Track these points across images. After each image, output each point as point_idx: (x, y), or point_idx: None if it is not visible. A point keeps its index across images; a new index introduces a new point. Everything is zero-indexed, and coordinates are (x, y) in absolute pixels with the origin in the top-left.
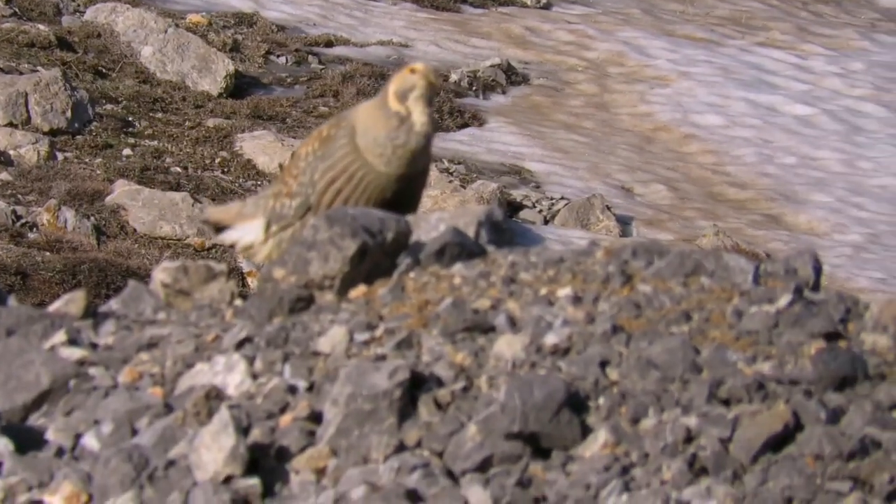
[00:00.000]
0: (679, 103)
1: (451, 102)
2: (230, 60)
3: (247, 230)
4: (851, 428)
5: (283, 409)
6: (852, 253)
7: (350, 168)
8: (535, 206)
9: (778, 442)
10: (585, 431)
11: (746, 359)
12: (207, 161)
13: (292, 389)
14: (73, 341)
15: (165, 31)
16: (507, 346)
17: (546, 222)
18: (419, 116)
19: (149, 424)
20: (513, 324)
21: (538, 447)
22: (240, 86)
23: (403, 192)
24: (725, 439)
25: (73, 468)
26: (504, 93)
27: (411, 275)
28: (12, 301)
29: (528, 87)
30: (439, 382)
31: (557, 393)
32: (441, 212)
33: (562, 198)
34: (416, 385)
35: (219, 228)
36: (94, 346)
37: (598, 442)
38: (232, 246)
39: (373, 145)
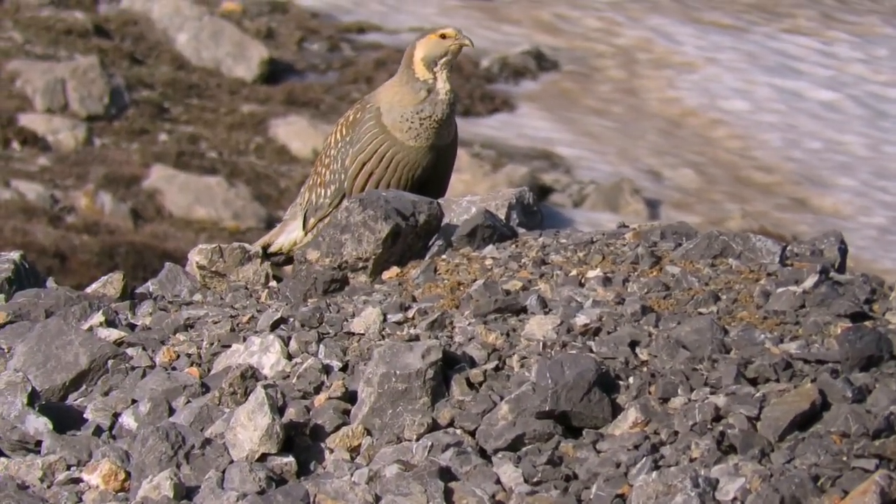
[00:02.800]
0: (706, 89)
1: (481, 88)
2: (264, 47)
3: (289, 231)
4: (877, 406)
5: (317, 389)
6: (877, 235)
7: (379, 149)
8: (564, 190)
9: (805, 420)
10: (616, 410)
11: (774, 339)
12: (242, 146)
13: (327, 369)
14: (110, 322)
15: (200, 19)
16: (539, 327)
17: (576, 206)
18: (443, 85)
19: (185, 404)
20: (544, 304)
21: (569, 426)
22: (274, 72)
23: (434, 169)
24: (753, 418)
25: (112, 447)
26: (534, 79)
27: (443, 257)
28: (51, 283)
29: (557, 73)
30: (472, 362)
31: (588, 372)
32: (472, 195)
33: (591, 181)
34: (449, 365)
35: (267, 248)
36: (131, 326)
37: (628, 420)
38: (280, 252)
39: (400, 121)
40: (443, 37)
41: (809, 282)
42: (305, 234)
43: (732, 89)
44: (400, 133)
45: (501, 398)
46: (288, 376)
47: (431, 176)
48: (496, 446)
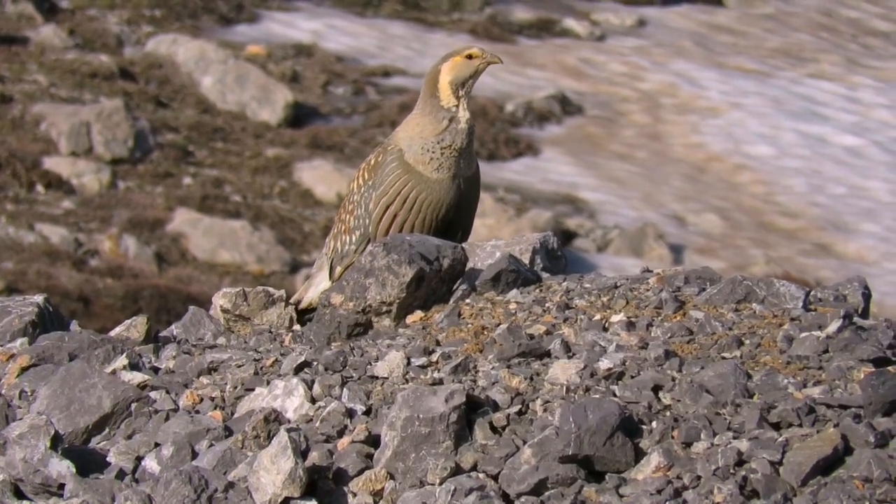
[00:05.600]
0: (730, 134)
1: (506, 132)
2: (289, 91)
3: (317, 284)
4: None
5: (340, 433)
6: None
7: (403, 189)
8: (588, 235)
9: (828, 465)
10: (639, 455)
11: (797, 383)
12: (266, 190)
13: (350, 413)
14: (134, 366)
15: (225, 62)
16: (562, 371)
17: (600, 250)
18: (464, 113)
19: (209, 447)
20: (567, 349)
21: (592, 470)
22: (299, 116)
23: (457, 209)
24: (776, 462)
25: (134, 490)
26: (559, 123)
27: (467, 301)
28: (75, 326)
29: (582, 118)
30: (495, 406)
31: (611, 417)
32: (496, 240)
33: (615, 226)
34: (473, 409)
35: (298, 304)
36: (155, 370)
37: (651, 465)
38: (311, 307)
39: (422, 153)
40: (469, 57)
41: (833, 327)
42: (333, 283)
43: (757, 134)
44: (423, 166)
45: (524, 442)
46: (311, 420)
47: (455, 217)
48: (519, 490)
